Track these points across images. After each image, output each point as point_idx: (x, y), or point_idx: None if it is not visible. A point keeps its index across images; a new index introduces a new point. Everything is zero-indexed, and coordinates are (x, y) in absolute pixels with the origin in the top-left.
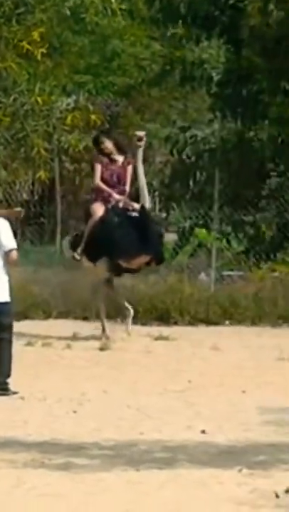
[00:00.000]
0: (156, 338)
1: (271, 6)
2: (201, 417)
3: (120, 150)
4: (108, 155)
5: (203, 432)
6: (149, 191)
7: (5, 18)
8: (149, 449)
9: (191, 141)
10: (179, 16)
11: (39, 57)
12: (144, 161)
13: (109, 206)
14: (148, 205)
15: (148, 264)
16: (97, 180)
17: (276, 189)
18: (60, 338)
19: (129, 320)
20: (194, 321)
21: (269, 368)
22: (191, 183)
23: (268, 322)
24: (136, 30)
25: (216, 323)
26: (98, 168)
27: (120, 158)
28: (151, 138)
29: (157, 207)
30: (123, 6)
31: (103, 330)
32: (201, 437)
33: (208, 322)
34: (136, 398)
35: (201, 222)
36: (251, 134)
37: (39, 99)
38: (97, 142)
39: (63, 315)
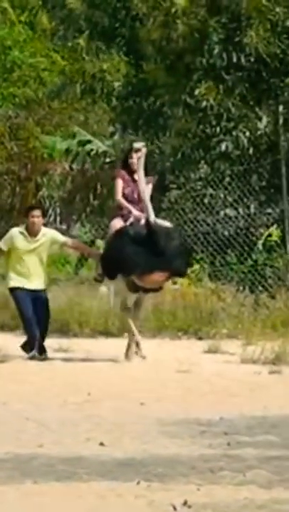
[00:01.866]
0: (56, 350)
1: (177, 20)
2: (100, 429)
3: (145, 168)
4: (133, 172)
5: (101, 444)
6: (49, 204)
7: None
8: (48, 462)
9: (92, 154)
10: (79, 29)
11: None
12: (45, 173)
13: (128, 223)
14: (153, 218)
15: (169, 278)
16: (119, 196)
17: (176, 201)
18: None
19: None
20: (94, 333)
21: (168, 380)
22: (91, 196)
23: (168, 334)
24: (36, 42)
25: (115, 336)
26: (120, 183)
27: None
28: (50, 150)
29: (58, 219)
30: (22, 18)
31: (137, 345)
32: (100, 449)
33: (108, 334)
34: (36, 411)
35: (102, 234)
36: (152, 146)
37: None
38: (127, 156)
39: None
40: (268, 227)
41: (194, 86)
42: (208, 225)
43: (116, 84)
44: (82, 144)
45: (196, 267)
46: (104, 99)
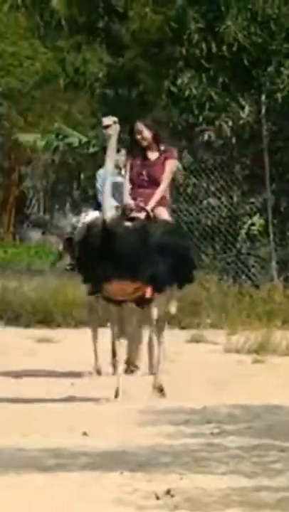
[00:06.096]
0: (39, 340)
1: (148, 11)
2: (83, 419)
3: (158, 144)
4: (143, 149)
5: (84, 433)
6: (33, 194)
7: None
8: (30, 452)
9: (73, 147)
10: (59, 25)
11: None
12: (29, 163)
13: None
14: (109, 215)
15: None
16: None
17: None
18: None
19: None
20: (77, 323)
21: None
22: (75, 186)
23: None
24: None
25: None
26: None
27: (154, 155)
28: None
29: (41, 209)
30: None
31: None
32: (83, 439)
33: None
34: (19, 400)
35: None
36: None
37: None
38: (132, 132)
39: None
40: (250, 216)
41: (176, 75)
42: (191, 214)
43: (100, 74)
44: (61, 139)
45: None
46: (88, 91)
